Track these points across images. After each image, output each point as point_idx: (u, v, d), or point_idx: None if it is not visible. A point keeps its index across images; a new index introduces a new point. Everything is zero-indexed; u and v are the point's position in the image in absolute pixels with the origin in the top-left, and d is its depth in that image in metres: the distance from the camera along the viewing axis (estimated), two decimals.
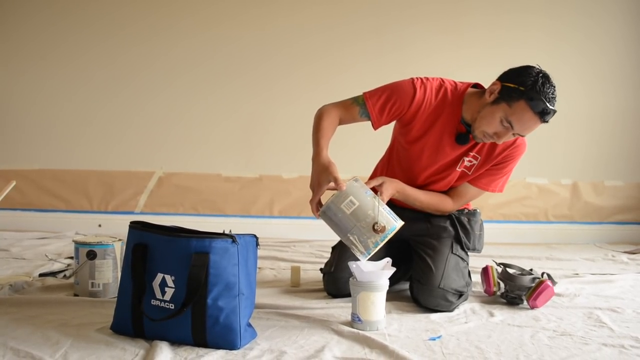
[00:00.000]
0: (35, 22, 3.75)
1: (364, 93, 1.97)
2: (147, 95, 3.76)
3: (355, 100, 1.98)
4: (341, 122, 1.99)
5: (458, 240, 2.08)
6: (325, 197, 1.72)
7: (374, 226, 1.64)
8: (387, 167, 2.19)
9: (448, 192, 2.12)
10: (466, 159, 2.03)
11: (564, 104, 3.73)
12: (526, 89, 1.84)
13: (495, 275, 2.11)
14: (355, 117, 1.98)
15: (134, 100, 3.76)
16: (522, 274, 2.08)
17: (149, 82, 3.75)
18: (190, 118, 3.77)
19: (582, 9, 3.73)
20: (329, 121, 1.92)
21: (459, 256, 2.05)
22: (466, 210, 2.17)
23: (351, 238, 1.67)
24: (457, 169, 2.04)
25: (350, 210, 1.66)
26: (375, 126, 1.98)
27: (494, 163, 2.04)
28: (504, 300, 2.05)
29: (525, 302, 2.01)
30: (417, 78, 1.97)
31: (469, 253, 2.14)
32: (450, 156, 2.02)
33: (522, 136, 1.92)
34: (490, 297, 2.12)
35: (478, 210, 2.21)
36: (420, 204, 2.05)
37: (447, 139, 2.00)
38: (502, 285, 2.09)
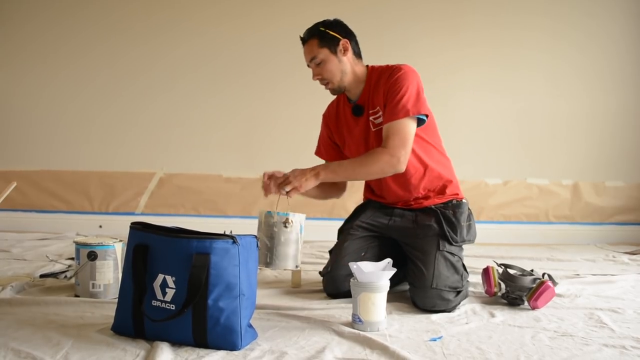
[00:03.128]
0: (37, 24, 3.76)
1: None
2: (148, 96, 3.77)
3: None
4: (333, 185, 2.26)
5: (444, 237, 2.05)
6: None
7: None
8: (367, 188, 2.32)
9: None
10: (371, 118, 2.12)
11: (564, 104, 3.76)
12: None
13: (496, 275, 2.11)
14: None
15: (135, 101, 3.77)
16: (522, 275, 2.08)
17: (150, 84, 3.76)
18: (191, 119, 3.77)
19: (583, 10, 3.74)
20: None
21: (447, 252, 2.02)
22: (452, 202, 2.14)
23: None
24: (372, 129, 2.12)
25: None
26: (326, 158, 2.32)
27: (386, 95, 2.05)
28: (505, 301, 2.05)
29: (526, 303, 2.01)
30: None
31: (462, 246, 2.12)
32: (361, 128, 2.15)
33: (312, 64, 2.11)
34: (491, 298, 2.12)
35: (464, 201, 2.17)
36: (352, 170, 2.01)
37: (352, 121, 2.18)
38: (502, 285, 2.09)
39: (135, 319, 1.55)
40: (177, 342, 1.52)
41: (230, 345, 1.49)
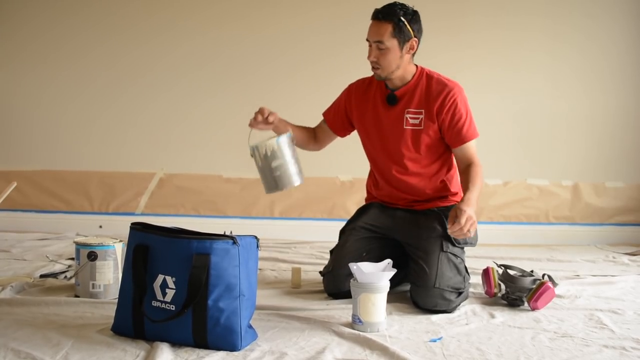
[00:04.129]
0: (37, 24, 3.75)
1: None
2: (148, 96, 3.76)
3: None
4: (318, 137, 2.38)
5: (447, 238, 2.07)
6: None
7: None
8: (373, 181, 2.33)
9: (461, 168, 2.14)
10: (408, 116, 2.13)
11: (564, 104, 3.76)
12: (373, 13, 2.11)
13: (496, 276, 2.11)
14: (323, 132, 2.37)
15: (135, 101, 3.76)
16: (522, 276, 2.08)
17: (150, 84, 3.75)
18: (191, 119, 3.77)
19: (583, 10, 3.73)
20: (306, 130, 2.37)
21: (451, 253, 2.05)
22: (455, 206, 2.16)
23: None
24: (404, 127, 2.13)
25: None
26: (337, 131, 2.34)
27: (445, 115, 2.08)
28: (505, 302, 2.05)
29: (526, 304, 2.01)
30: None
31: (464, 248, 2.14)
32: (391, 119, 2.15)
33: (375, 44, 2.06)
34: (491, 299, 2.12)
35: None
36: (479, 185, 2.05)
37: (381, 107, 2.18)
38: (502, 286, 2.09)
39: (135, 320, 1.55)
40: (177, 343, 1.52)
41: (230, 345, 1.49)
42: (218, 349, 1.49)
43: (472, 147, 2.14)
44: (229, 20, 3.74)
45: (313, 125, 2.40)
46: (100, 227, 3.66)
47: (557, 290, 2.14)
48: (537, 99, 3.75)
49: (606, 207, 3.79)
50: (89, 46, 3.76)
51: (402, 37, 2.04)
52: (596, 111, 3.77)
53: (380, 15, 2.04)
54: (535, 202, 3.77)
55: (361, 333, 1.65)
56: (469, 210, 1.88)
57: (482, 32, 3.72)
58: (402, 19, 2.02)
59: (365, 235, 2.21)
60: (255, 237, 1.61)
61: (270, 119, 2.18)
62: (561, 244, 3.63)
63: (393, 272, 1.77)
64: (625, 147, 3.79)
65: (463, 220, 1.85)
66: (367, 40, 2.09)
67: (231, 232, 1.55)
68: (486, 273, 2.14)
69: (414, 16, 2.06)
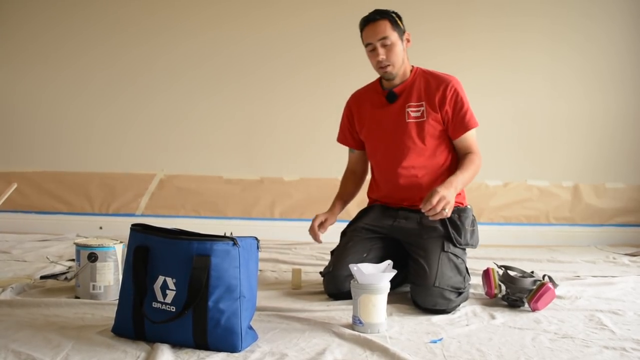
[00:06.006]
0: (37, 24, 3.76)
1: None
2: (148, 97, 3.77)
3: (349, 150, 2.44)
4: (356, 169, 2.43)
5: (449, 238, 2.08)
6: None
7: None
8: (374, 187, 2.35)
9: (461, 155, 2.20)
10: (409, 110, 2.18)
11: (564, 105, 3.76)
12: (360, 27, 2.19)
13: (496, 277, 2.11)
14: (356, 159, 2.41)
15: (135, 102, 3.77)
16: (523, 277, 2.08)
17: (150, 84, 3.76)
18: (191, 120, 3.77)
19: (583, 11, 3.74)
20: (343, 181, 2.43)
21: (452, 253, 2.05)
22: (456, 207, 2.16)
23: None
24: (407, 120, 2.18)
25: None
26: (361, 148, 2.38)
27: (448, 106, 2.14)
28: (505, 303, 2.05)
29: (526, 305, 2.01)
30: None
31: (465, 249, 2.15)
32: (392, 116, 2.20)
33: (380, 42, 2.11)
34: (491, 300, 2.12)
35: (469, 207, 2.22)
36: (470, 178, 2.11)
37: (380, 107, 2.24)
38: (503, 287, 2.09)
39: (135, 321, 1.55)
40: (177, 344, 1.52)
41: (231, 347, 1.49)
42: (218, 350, 1.49)
43: (472, 137, 2.20)
44: (228, 21, 3.74)
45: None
46: (101, 228, 3.67)
47: (558, 291, 2.14)
48: (537, 100, 3.76)
49: (606, 208, 3.79)
50: (88, 47, 3.76)
51: (399, 30, 2.14)
52: (596, 112, 3.77)
53: (376, 16, 2.13)
54: (536, 203, 3.77)
55: (361, 334, 1.65)
56: (443, 191, 1.92)
57: (482, 34, 3.73)
58: (393, 14, 2.14)
59: (366, 237, 2.22)
60: (256, 239, 1.61)
61: (323, 231, 2.27)
62: (561, 244, 3.63)
63: (393, 272, 1.77)
64: (625, 148, 3.79)
65: (434, 200, 1.89)
66: (369, 44, 2.14)
67: (231, 233, 1.55)
68: (486, 274, 2.14)
69: (397, 15, 2.17)
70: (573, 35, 3.75)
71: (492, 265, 2.22)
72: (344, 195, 2.37)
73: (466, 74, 3.69)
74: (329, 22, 3.71)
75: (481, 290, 2.20)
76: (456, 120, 2.15)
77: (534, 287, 1.99)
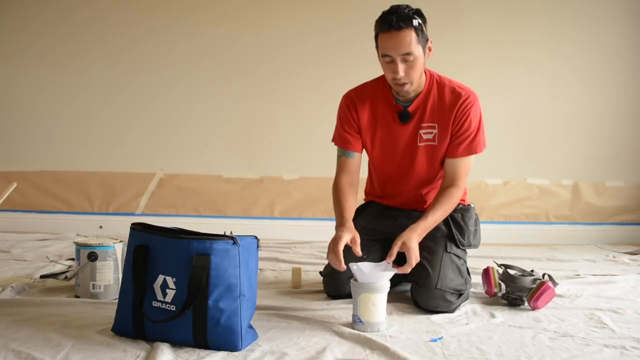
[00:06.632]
0: (37, 23, 3.75)
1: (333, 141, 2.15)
2: (148, 96, 3.76)
3: (338, 154, 2.13)
4: (354, 174, 2.11)
5: (452, 239, 2.06)
6: None
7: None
8: (373, 188, 2.26)
9: (443, 184, 2.05)
10: (422, 132, 2.03)
11: (564, 104, 3.76)
12: (376, 25, 1.93)
13: (496, 276, 2.11)
14: (349, 164, 2.10)
15: (135, 101, 3.77)
16: (523, 275, 2.08)
17: (150, 84, 3.76)
18: (191, 119, 3.77)
19: (583, 10, 3.73)
20: (336, 193, 2.05)
21: (454, 254, 2.03)
22: (460, 206, 2.13)
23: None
24: (418, 144, 2.04)
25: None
26: (360, 150, 2.13)
27: (454, 125, 2.00)
28: (505, 302, 2.05)
29: (526, 303, 2.01)
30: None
31: (466, 250, 2.13)
32: (404, 137, 2.05)
33: (401, 57, 1.87)
34: (491, 298, 2.12)
35: (472, 206, 2.18)
36: (439, 217, 1.98)
37: (393, 124, 2.05)
38: (503, 286, 2.09)
39: (135, 320, 1.55)
40: (177, 343, 1.52)
41: (231, 346, 1.49)
42: (218, 349, 1.49)
43: (465, 165, 2.02)
44: (228, 20, 3.74)
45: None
46: (101, 227, 3.67)
47: (558, 290, 2.14)
48: (537, 99, 3.76)
49: (606, 206, 3.79)
50: (88, 46, 3.76)
51: (423, 41, 1.89)
52: (596, 110, 3.77)
53: (400, 24, 1.83)
54: (536, 202, 3.77)
55: (361, 333, 1.65)
56: (409, 242, 1.84)
57: (482, 32, 3.73)
58: (419, 21, 1.87)
59: (365, 237, 2.18)
60: (256, 237, 1.61)
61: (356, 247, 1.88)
62: (561, 243, 3.63)
63: (393, 272, 1.76)
64: (625, 147, 3.79)
65: (414, 262, 1.83)
66: (387, 55, 1.88)
67: (231, 232, 1.55)
68: (486, 273, 2.14)
69: (422, 15, 1.91)
70: (573, 33, 3.75)
71: (491, 264, 2.22)
72: (348, 212, 2.00)
73: (465, 72, 3.71)
74: (329, 21, 3.71)
75: (481, 289, 2.19)
76: (458, 141, 2.00)
77: (534, 285, 1.99)
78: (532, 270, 2.14)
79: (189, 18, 3.75)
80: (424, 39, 1.90)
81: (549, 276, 2.10)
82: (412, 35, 1.84)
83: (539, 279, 2.03)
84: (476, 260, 2.71)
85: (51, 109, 3.78)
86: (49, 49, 3.77)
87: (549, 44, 3.74)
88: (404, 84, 1.93)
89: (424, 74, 2.01)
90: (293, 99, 3.75)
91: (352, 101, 2.10)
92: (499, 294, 2.10)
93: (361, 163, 2.16)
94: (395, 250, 1.85)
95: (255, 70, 3.74)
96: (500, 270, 2.14)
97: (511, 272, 2.12)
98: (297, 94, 3.75)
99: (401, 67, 1.88)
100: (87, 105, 3.77)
